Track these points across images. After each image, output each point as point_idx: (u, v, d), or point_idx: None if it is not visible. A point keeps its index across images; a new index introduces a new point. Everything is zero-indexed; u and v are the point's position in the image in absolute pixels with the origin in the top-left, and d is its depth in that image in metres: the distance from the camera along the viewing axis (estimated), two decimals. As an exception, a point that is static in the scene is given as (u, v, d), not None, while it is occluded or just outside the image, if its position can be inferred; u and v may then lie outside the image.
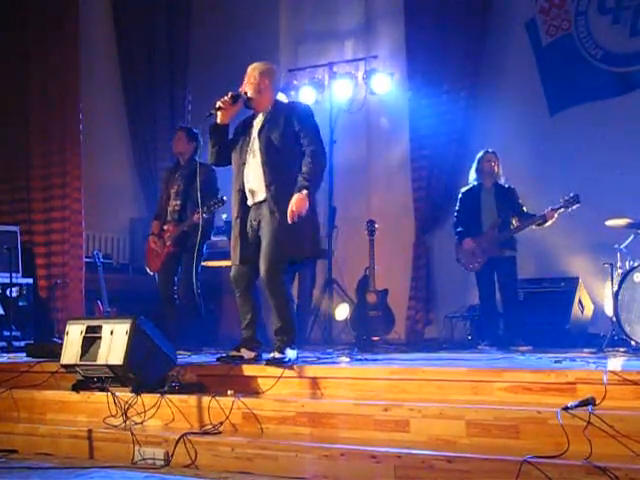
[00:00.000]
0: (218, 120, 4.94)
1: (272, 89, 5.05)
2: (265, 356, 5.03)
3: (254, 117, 5.07)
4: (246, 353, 4.98)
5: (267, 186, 4.86)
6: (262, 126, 4.96)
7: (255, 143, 4.95)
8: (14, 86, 8.11)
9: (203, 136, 6.14)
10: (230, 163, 5.10)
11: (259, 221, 4.93)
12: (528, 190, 7.19)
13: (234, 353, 4.99)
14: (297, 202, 4.76)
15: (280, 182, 4.86)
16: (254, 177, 4.93)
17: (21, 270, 7.58)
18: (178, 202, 6.42)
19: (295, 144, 4.94)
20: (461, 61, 8.28)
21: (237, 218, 5.00)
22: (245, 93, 4.97)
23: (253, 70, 5.02)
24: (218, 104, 4.89)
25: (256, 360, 4.97)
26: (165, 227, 6.48)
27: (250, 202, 4.98)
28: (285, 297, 4.90)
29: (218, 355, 5.08)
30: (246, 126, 5.06)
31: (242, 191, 4.99)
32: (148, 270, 6.68)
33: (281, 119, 4.94)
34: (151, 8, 9.50)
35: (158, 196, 6.92)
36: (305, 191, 4.79)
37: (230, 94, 4.91)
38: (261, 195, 4.92)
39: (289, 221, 4.76)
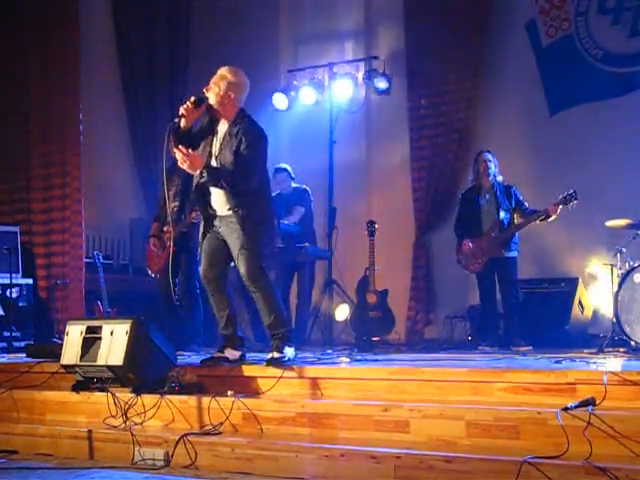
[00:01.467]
0: (181, 124, 4.85)
1: (236, 103, 4.95)
2: (257, 356, 5.05)
3: (217, 122, 4.99)
4: (230, 353, 4.99)
5: (233, 209, 4.85)
6: (220, 148, 4.92)
7: (214, 160, 4.93)
8: (14, 86, 8.11)
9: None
10: None
11: (222, 230, 4.96)
12: (528, 190, 7.19)
13: (218, 355, 4.99)
14: (194, 157, 4.77)
15: (244, 205, 4.86)
16: (216, 194, 4.94)
17: (21, 271, 7.58)
18: (177, 203, 6.46)
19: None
20: (461, 61, 8.27)
21: (202, 219, 5.07)
22: (207, 99, 4.89)
23: (221, 79, 4.91)
24: (181, 111, 4.81)
25: (241, 359, 5.00)
26: (165, 228, 6.50)
27: (213, 210, 4.98)
28: (270, 289, 4.94)
29: (203, 358, 5.09)
30: (209, 130, 4.99)
31: (203, 194, 4.98)
32: (149, 272, 6.69)
33: (235, 142, 4.87)
34: (151, 8, 9.50)
35: (157, 198, 6.90)
36: (208, 172, 4.78)
37: (193, 99, 4.82)
38: (220, 209, 4.94)
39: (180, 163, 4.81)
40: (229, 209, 4.88)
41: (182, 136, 4.88)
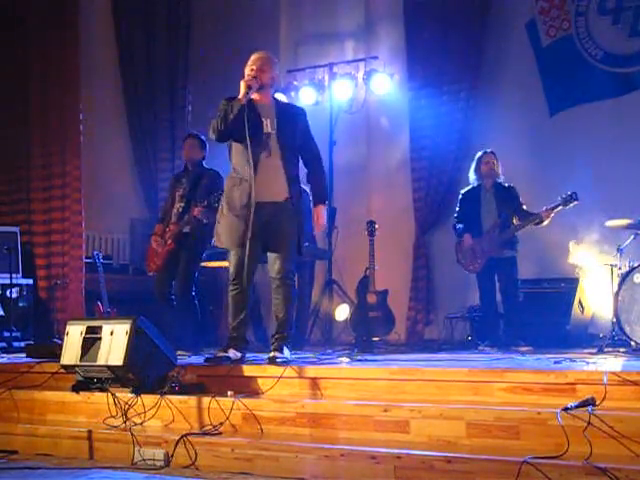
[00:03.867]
0: (241, 98, 4.77)
1: (276, 85, 5.15)
2: (257, 356, 5.11)
3: (253, 109, 4.90)
4: (233, 353, 4.99)
5: (288, 187, 4.90)
6: (277, 123, 4.92)
7: (272, 139, 4.90)
8: (14, 86, 8.11)
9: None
10: (227, 140, 4.97)
11: (271, 220, 4.88)
12: (528, 190, 7.18)
13: (221, 353, 4.99)
14: (323, 215, 5.03)
15: (296, 182, 4.98)
16: (269, 174, 4.86)
17: (21, 271, 7.58)
18: (182, 204, 6.50)
19: (299, 146, 5.01)
20: (461, 61, 8.28)
21: (244, 207, 4.82)
22: (261, 79, 4.87)
23: (269, 60, 4.99)
24: (247, 84, 4.78)
25: (241, 361, 5.01)
26: (167, 228, 6.54)
27: (260, 198, 4.83)
28: (293, 291, 5.01)
29: (207, 356, 5.10)
30: (248, 117, 4.84)
31: (248, 182, 4.83)
32: (147, 270, 6.69)
33: (291, 119, 4.98)
34: (151, 8, 9.50)
35: (165, 200, 6.93)
36: (327, 203, 5.11)
37: (250, 75, 4.85)
38: (278, 194, 4.91)
39: (317, 231, 5.15)
40: (284, 189, 4.90)
41: (239, 111, 4.78)
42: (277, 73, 5.06)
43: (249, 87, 4.80)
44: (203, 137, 6.61)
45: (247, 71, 4.94)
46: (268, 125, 4.94)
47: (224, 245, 5.02)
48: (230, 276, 5.02)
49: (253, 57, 5.00)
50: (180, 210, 6.49)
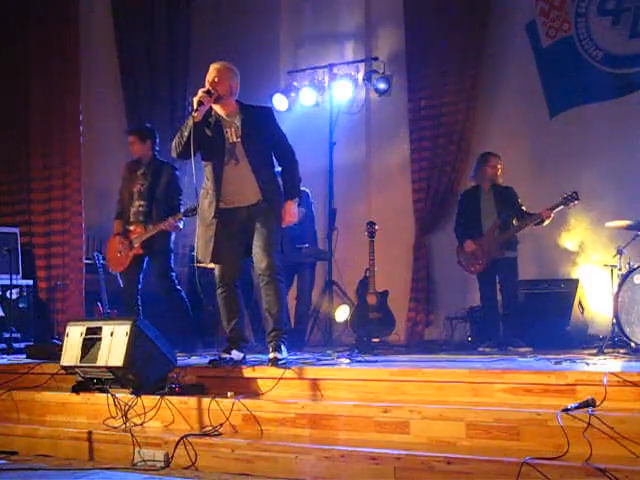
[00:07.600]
0: (196, 115, 4.80)
1: (237, 93, 5.06)
2: (257, 357, 5.13)
3: (214, 118, 4.98)
4: (235, 354, 5.01)
5: (261, 190, 4.94)
6: (242, 131, 4.95)
7: (238, 148, 4.95)
8: (14, 86, 8.11)
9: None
10: (188, 158, 4.93)
11: (249, 222, 4.97)
12: (528, 191, 7.18)
13: (224, 355, 5.00)
14: (294, 211, 5.03)
15: (269, 183, 5.00)
16: (239, 182, 4.95)
17: (21, 272, 7.58)
18: (142, 203, 6.30)
19: (270, 146, 5.06)
20: (461, 62, 8.27)
21: (214, 218, 4.95)
22: (216, 91, 4.89)
23: (224, 70, 4.98)
24: (199, 101, 4.80)
25: (243, 361, 5.03)
26: (131, 228, 6.33)
27: (234, 204, 4.98)
28: (283, 286, 5.03)
29: (211, 358, 5.10)
30: (212, 127, 4.96)
31: (217, 192, 4.96)
32: (110, 270, 6.60)
33: (257, 123, 5.00)
34: (151, 8, 9.49)
35: (119, 193, 6.58)
36: (297, 199, 5.06)
37: (202, 91, 4.84)
38: (250, 198, 4.97)
39: (283, 225, 5.00)
40: (257, 193, 4.94)
41: (195, 129, 4.82)
42: (236, 82, 5.01)
43: (200, 103, 4.82)
44: (147, 125, 6.54)
45: (206, 84, 4.95)
46: (232, 134, 4.98)
47: (201, 258, 5.04)
48: (216, 279, 5.07)
49: (210, 69, 5.01)
50: (141, 210, 6.29)
